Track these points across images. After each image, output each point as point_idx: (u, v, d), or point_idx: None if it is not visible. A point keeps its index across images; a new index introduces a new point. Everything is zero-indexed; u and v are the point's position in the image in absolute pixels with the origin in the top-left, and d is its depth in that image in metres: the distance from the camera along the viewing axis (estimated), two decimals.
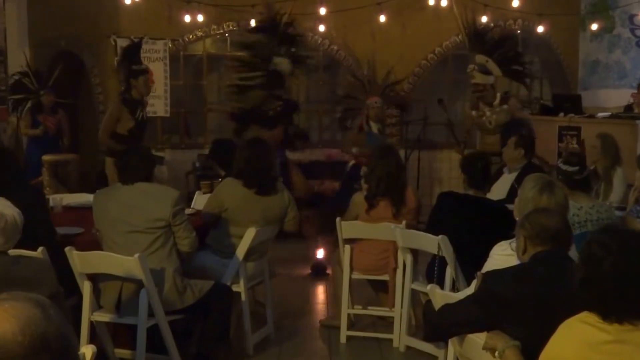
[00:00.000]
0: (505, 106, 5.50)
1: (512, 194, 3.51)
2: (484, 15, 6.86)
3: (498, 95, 5.62)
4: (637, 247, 1.65)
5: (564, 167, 3.21)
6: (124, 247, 3.00)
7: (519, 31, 7.18)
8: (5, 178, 3.07)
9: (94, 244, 3.14)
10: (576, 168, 3.17)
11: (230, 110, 6.47)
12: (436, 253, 3.27)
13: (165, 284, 3.03)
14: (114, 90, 7.14)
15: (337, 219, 3.78)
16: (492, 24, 6.52)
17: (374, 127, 5.92)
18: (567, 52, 7.80)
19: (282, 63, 6.07)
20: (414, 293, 3.57)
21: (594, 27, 7.43)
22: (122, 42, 6.92)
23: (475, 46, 5.93)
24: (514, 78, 6.22)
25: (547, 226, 2.10)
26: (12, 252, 2.33)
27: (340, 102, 7.08)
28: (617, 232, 1.74)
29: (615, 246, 1.63)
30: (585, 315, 1.64)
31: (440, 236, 3.22)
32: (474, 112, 5.65)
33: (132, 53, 5.54)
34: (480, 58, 5.75)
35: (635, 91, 6.61)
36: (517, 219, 2.49)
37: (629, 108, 6.28)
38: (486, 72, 5.64)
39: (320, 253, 5.19)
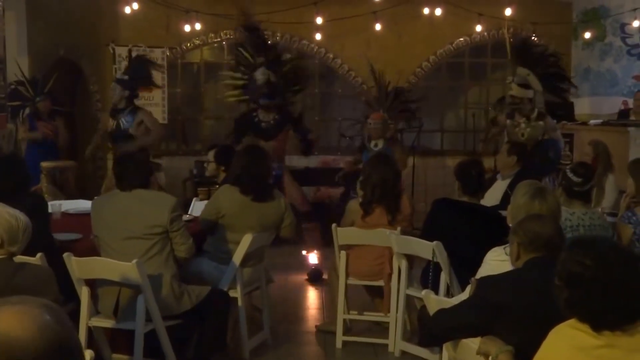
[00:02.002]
0: (541, 122, 5.47)
1: (506, 200, 3.54)
2: (478, 23, 6.94)
3: (536, 110, 5.61)
4: (610, 254, 1.66)
5: (569, 174, 3.23)
6: (122, 253, 3.02)
7: (511, 39, 7.24)
8: (10, 185, 3.10)
9: (92, 250, 3.16)
10: (579, 180, 3.19)
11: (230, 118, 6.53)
12: (431, 259, 3.29)
13: (162, 289, 3.05)
14: (111, 98, 7.19)
15: (333, 225, 3.82)
16: (537, 40, 6.54)
17: (379, 143, 5.94)
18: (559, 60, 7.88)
19: (259, 73, 6.00)
20: (409, 298, 3.59)
21: (586, 35, 7.54)
22: (121, 51, 6.99)
23: (518, 58, 5.93)
24: (556, 94, 6.24)
25: (540, 233, 2.14)
26: (16, 258, 2.37)
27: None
28: (587, 244, 1.74)
29: (590, 260, 1.64)
30: (575, 321, 1.67)
31: (434, 242, 3.24)
32: (508, 121, 5.62)
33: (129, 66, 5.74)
34: (521, 71, 5.68)
35: (631, 99, 6.69)
36: (510, 225, 2.51)
37: (624, 114, 6.33)
38: (526, 85, 5.68)
39: (315, 259, 5.22)
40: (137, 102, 5.90)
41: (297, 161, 6.83)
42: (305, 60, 6.65)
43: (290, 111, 6.28)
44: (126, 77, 5.64)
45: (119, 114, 5.50)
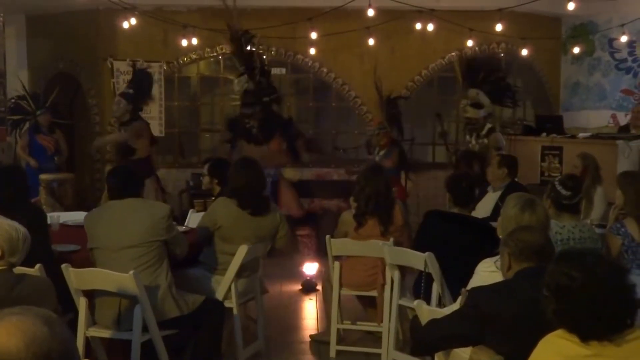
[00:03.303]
0: (486, 140, 5.74)
1: (497, 212, 3.59)
2: (469, 39, 7.07)
3: (487, 126, 5.84)
4: (597, 266, 1.69)
5: (558, 188, 3.28)
6: (119, 262, 3.05)
7: (502, 54, 7.41)
8: (11, 194, 3.16)
9: (89, 261, 3.20)
10: (569, 193, 3.25)
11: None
12: (423, 270, 3.33)
13: (159, 295, 3.09)
14: (110, 111, 7.28)
15: (327, 237, 3.87)
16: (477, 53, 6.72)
17: (381, 151, 6.07)
18: (549, 75, 8.03)
19: (236, 83, 6.16)
20: (401, 309, 3.63)
21: (575, 50, 7.69)
22: (119, 65, 7.07)
23: (468, 81, 6.12)
24: (502, 105, 6.44)
25: (530, 243, 2.19)
26: (15, 269, 2.42)
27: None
28: (575, 256, 1.77)
29: (577, 272, 1.67)
30: (564, 331, 1.70)
31: (426, 253, 3.29)
32: (467, 137, 5.98)
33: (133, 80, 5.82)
34: (472, 92, 5.97)
35: (620, 112, 6.82)
36: (500, 236, 2.57)
37: (624, 128, 6.42)
38: (478, 105, 5.86)
39: (310, 269, 5.28)
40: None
41: (291, 173, 6.90)
42: (294, 75, 6.72)
43: (278, 116, 6.34)
44: (131, 90, 5.70)
45: (122, 127, 5.55)
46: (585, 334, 1.66)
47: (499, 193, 4.44)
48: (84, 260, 3.24)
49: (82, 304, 3.07)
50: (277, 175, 6.23)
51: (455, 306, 2.50)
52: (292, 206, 6.07)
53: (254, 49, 6.24)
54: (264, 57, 6.47)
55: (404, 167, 6.20)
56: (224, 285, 3.50)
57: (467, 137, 5.97)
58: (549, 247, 2.23)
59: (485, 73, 6.18)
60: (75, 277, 3.04)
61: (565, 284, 1.67)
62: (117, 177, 3.27)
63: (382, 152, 6.11)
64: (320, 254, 5.11)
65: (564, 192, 3.26)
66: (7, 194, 3.16)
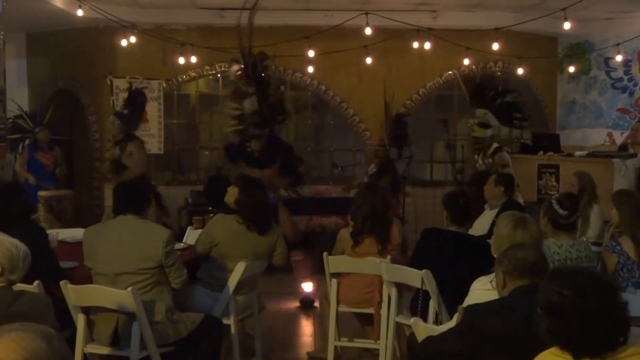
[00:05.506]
0: (491, 159, 5.77)
1: (493, 230, 3.62)
2: (466, 58, 7.15)
3: (493, 145, 5.86)
4: (588, 284, 1.70)
5: (555, 207, 3.29)
6: (116, 287, 3.04)
7: (499, 73, 7.49)
8: (17, 211, 3.18)
9: (88, 278, 3.21)
10: (565, 212, 3.26)
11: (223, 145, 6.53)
12: (420, 287, 3.34)
13: (158, 319, 3.09)
14: (109, 128, 7.32)
15: (324, 254, 3.88)
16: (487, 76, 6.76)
17: (372, 168, 6.11)
18: (545, 93, 8.11)
19: (247, 103, 6.08)
20: (398, 326, 3.63)
21: (571, 69, 7.79)
22: (118, 82, 7.14)
23: (475, 101, 6.13)
24: (511, 125, 6.46)
25: (523, 260, 2.21)
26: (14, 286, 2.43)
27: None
28: (566, 274, 1.78)
29: (568, 290, 1.68)
30: (557, 349, 1.69)
31: (423, 271, 3.30)
32: (475, 156, 5.99)
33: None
34: (479, 112, 5.95)
35: (616, 130, 6.87)
36: (494, 255, 2.58)
37: (624, 147, 6.47)
38: (486, 125, 5.89)
39: (307, 287, 5.28)
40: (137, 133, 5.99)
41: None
42: (293, 92, 6.74)
43: (281, 140, 6.33)
44: (126, 111, 5.75)
45: (118, 145, 5.60)
46: (578, 352, 1.66)
47: (495, 211, 4.46)
48: (83, 277, 3.24)
49: (80, 320, 3.07)
50: (275, 198, 6.20)
51: (452, 323, 2.51)
52: (289, 230, 6.05)
53: (266, 71, 6.18)
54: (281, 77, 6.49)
55: (395, 189, 6.21)
56: (222, 302, 3.51)
57: (475, 156, 5.96)
58: (543, 264, 2.24)
59: (495, 93, 6.20)
60: (74, 294, 3.05)
61: (557, 301, 1.68)
62: (119, 191, 3.28)
63: (373, 169, 6.13)
64: (317, 272, 5.11)
65: (561, 211, 3.27)
66: (15, 210, 3.18)
